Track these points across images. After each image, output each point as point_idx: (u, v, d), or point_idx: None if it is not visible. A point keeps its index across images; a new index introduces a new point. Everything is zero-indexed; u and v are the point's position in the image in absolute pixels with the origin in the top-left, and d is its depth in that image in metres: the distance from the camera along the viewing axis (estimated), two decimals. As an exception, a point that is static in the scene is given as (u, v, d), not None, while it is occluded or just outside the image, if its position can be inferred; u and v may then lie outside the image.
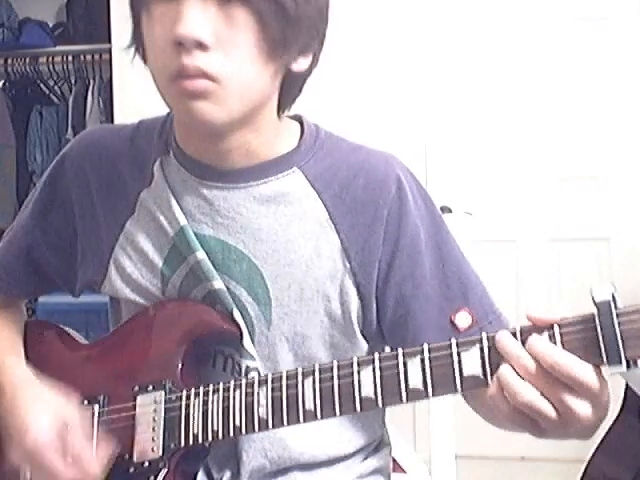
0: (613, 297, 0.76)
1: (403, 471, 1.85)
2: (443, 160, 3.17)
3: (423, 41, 3.11)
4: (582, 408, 0.77)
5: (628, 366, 0.75)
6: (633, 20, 3.08)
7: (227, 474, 1.05)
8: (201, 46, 0.88)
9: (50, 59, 3.56)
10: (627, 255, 3.11)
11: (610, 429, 2.12)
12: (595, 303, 0.76)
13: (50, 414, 0.98)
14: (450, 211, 2.71)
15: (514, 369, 0.78)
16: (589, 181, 3.15)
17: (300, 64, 0.97)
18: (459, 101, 3.17)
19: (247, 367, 1.01)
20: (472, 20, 3.15)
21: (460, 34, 3.15)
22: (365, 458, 1.10)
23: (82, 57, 3.53)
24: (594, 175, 3.14)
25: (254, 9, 0.88)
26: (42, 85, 3.65)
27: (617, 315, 0.75)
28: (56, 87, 3.66)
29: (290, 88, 1.00)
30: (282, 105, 1.02)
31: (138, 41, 0.97)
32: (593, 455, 2.19)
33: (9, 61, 3.60)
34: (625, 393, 2.18)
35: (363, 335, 1.04)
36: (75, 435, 0.97)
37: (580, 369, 0.76)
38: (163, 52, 0.90)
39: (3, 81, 3.64)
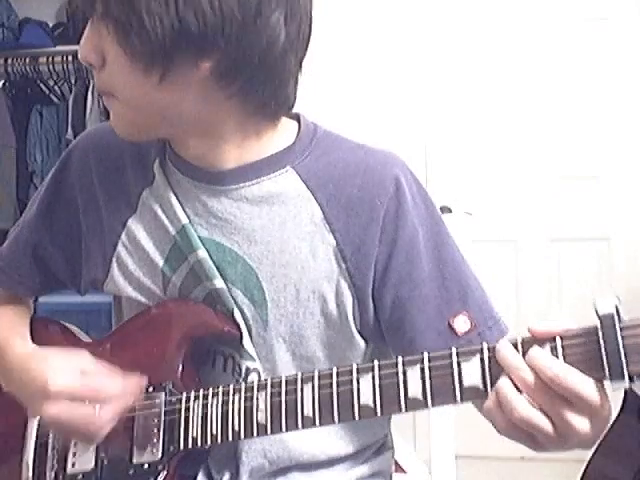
0: (617, 309, 0.74)
1: (403, 471, 1.86)
2: (443, 160, 3.18)
3: (423, 41, 3.11)
4: (580, 423, 0.75)
5: (631, 381, 0.73)
6: (633, 20, 3.08)
7: (227, 474, 1.05)
8: (92, 67, 0.95)
9: (50, 59, 3.55)
10: (627, 255, 3.11)
11: (610, 429, 2.12)
12: (598, 316, 0.74)
13: (67, 364, 0.97)
14: (450, 211, 2.71)
15: (513, 382, 0.76)
16: (589, 181, 3.15)
17: (202, 69, 0.91)
18: (459, 101, 3.17)
19: (247, 368, 1.01)
20: (472, 20, 3.15)
21: (460, 34, 3.15)
22: (366, 460, 1.10)
23: (82, 57, 3.52)
24: (594, 175, 3.14)
25: (111, 24, 0.90)
26: (42, 85, 3.65)
27: (621, 329, 0.73)
28: (56, 87, 3.65)
29: (227, 87, 0.93)
30: (262, 109, 0.97)
31: None
32: (593, 455, 2.19)
33: (9, 61, 3.60)
34: (625, 393, 2.18)
35: (361, 335, 1.03)
36: (98, 374, 0.97)
37: (581, 383, 0.74)
38: None
39: (3, 81, 3.63)
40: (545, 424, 0.75)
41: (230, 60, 0.91)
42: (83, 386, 0.95)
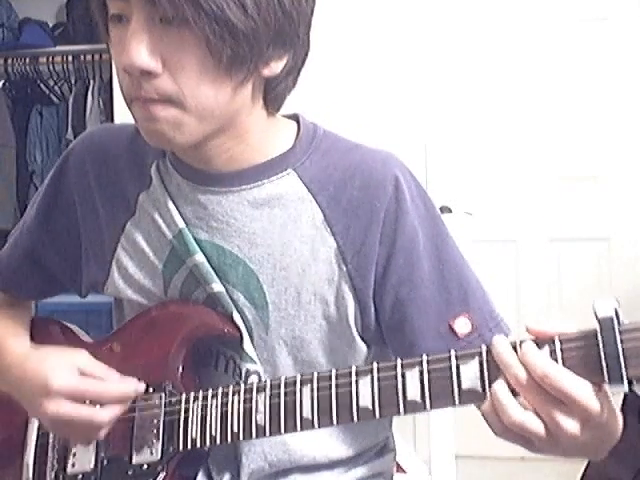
0: (616, 312, 0.73)
1: (403, 471, 1.85)
2: (443, 160, 3.17)
3: (423, 41, 3.11)
4: (569, 425, 0.74)
5: (630, 384, 0.73)
6: (633, 20, 3.08)
7: (227, 476, 1.04)
8: (148, 74, 0.87)
9: (50, 59, 3.56)
10: (627, 255, 3.11)
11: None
12: (597, 319, 0.73)
13: (66, 362, 0.97)
14: (450, 211, 2.71)
15: (508, 385, 0.76)
16: (589, 181, 3.14)
17: (272, 68, 0.93)
18: (459, 101, 3.17)
19: (248, 370, 1.01)
20: (472, 20, 3.15)
21: (460, 34, 3.14)
22: (367, 462, 1.10)
23: (82, 57, 3.53)
24: (594, 175, 3.14)
25: (197, 30, 0.85)
26: (42, 85, 3.65)
27: (620, 332, 0.73)
28: (56, 87, 3.66)
29: (274, 89, 0.97)
30: (270, 105, 0.99)
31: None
32: (593, 455, 2.19)
33: (9, 61, 3.60)
34: (625, 393, 2.18)
35: (363, 339, 1.03)
36: (97, 373, 0.97)
37: (572, 384, 0.74)
38: (121, 76, 0.91)
39: (3, 81, 3.63)
40: (537, 427, 0.75)
41: (294, 60, 0.95)
42: (83, 385, 0.95)
